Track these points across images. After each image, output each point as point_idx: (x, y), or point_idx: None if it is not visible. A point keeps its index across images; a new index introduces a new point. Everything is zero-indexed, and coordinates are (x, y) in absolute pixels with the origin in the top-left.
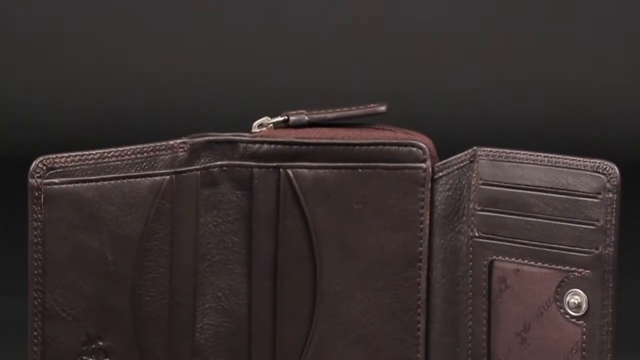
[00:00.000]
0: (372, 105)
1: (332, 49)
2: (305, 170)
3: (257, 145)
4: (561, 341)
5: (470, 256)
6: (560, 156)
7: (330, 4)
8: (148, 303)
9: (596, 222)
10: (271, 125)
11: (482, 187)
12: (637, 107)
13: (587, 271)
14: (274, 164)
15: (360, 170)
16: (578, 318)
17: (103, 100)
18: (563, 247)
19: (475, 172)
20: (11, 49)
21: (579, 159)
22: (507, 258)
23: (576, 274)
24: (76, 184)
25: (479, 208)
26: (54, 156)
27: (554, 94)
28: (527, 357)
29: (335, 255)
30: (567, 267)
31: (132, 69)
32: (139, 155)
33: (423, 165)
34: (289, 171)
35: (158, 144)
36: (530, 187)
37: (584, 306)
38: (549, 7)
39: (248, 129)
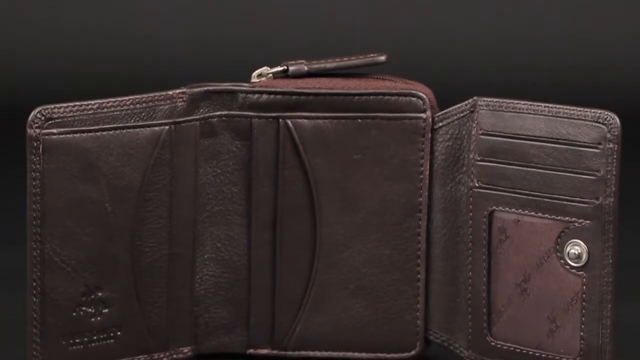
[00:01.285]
0: (371, 55)
1: None
2: (305, 121)
3: (256, 96)
4: (561, 292)
5: (470, 206)
6: (561, 106)
7: None
8: (147, 254)
9: (596, 173)
10: (270, 75)
11: (482, 137)
12: (638, 56)
13: (587, 221)
14: (274, 114)
15: (360, 120)
16: (578, 268)
17: (102, 49)
18: (563, 197)
19: (476, 122)
20: None
21: (579, 109)
22: (507, 208)
23: (576, 224)
24: (75, 134)
25: (479, 158)
26: (53, 106)
27: (555, 44)
28: (527, 307)
29: (335, 206)
30: (567, 218)
31: (132, 19)
32: (137, 106)
33: (423, 115)
34: (289, 121)
35: (157, 94)
36: (531, 137)
37: (584, 256)
38: None
39: (247, 79)
